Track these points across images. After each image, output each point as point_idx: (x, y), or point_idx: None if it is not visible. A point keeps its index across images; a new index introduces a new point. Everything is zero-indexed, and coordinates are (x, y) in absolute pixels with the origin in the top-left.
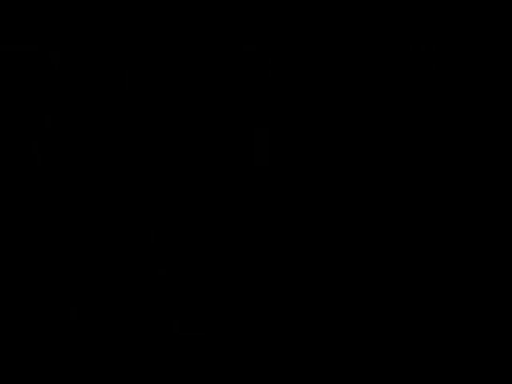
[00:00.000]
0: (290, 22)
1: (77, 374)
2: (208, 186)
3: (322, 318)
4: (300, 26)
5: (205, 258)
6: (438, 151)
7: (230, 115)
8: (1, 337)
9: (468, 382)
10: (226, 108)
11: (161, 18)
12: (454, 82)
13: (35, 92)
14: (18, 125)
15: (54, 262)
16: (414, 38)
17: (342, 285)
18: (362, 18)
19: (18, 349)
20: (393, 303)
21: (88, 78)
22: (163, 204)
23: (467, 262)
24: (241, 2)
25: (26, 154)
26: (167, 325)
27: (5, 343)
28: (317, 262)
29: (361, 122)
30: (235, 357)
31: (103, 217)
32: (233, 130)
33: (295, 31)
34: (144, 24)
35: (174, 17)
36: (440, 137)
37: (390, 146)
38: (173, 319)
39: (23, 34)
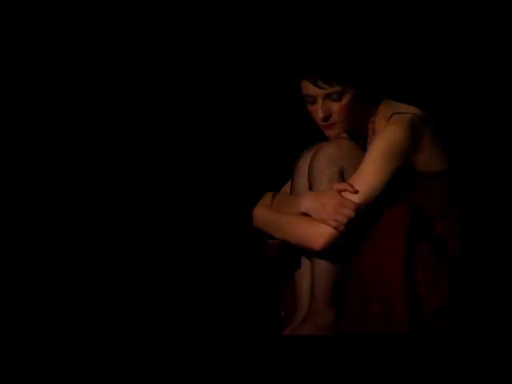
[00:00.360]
0: (290, 22)
1: (76, 374)
2: (208, 186)
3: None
4: (300, 26)
5: (205, 257)
6: None
7: (230, 115)
8: (1, 337)
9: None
10: (226, 108)
11: (161, 18)
12: (454, 82)
13: (35, 92)
14: (17, 125)
15: (54, 261)
16: (414, 38)
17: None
18: (362, 18)
19: (17, 348)
20: None
21: (88, 77)
22: (163, 204)
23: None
24: (241, 2)
25: (26, 154)
26: (167, 325)
27: (5, 343)
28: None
29: None
30: (235, 357)
31: (103, 217)
32: (233, 129)
33: (295, 31)
34: (144, 24)
35: (173, 17)
36: None
37: None
38: (173, 319)
39: (23, 34)
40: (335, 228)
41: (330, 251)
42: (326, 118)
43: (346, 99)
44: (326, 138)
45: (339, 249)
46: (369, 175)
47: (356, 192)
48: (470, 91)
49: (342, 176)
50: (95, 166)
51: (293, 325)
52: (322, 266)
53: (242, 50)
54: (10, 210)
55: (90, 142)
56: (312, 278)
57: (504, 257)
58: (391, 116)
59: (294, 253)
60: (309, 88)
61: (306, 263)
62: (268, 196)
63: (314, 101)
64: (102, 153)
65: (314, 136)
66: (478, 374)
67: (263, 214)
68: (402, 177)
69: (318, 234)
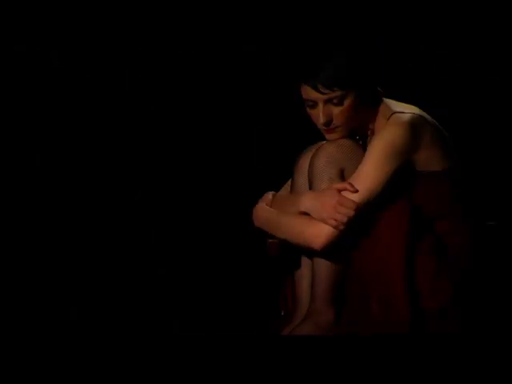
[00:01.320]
0: (289, 26)
1: (76, 374)
2: (208, 186)
3: None
4: (299, 30)
5: (205, 257)
6: None
7: (230, 115)
8: (1, 337)
9: None
10: (226, 108)
11: (161, 17)
12: (454, 82)
13: (35, 92)
14: (18, 125)
15: (54, 261)
16: (414, 38)
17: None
18: (361, 17)
19: (17, 348)
20: None
21: (88, 78)
22: (163, 204)
23: None
24: (241, 1)
25: (27, 155)
26: (167, 325)
27: (4, 343)
28: None
29: None
30: (235, 357)
31: (103, 217)
32: (233, 129)
33: (294, 36)
34: (144, 24)
35: (174, 17)
36: None
37: None
38: (173, 319)
39: (23, 33)
40: (335, 227)
41: (330, 251)
42: (328, 123)
43: (346, 103)
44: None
45: (339, 248)
46: (368, 175)
47: (356, 191)
48: (470, 91)
49: (343, 175)
50: (95, 166)
51: (293, 324)
52: (322, 265)
53: (241, 50)
54: (10, 210)
55: (90, 141)
56: (312, 277)
57: (504, 256)
58: (391, 115)
59: (294, 252)
60: (309, 93)
61: (306, 263)
62: (268, 195)
63: (314, 105)
64: (102, 153)
65: (314, 135)
66: (478, 373)
67: (263, 213)
68: (402, 176)
69: (318, 233)
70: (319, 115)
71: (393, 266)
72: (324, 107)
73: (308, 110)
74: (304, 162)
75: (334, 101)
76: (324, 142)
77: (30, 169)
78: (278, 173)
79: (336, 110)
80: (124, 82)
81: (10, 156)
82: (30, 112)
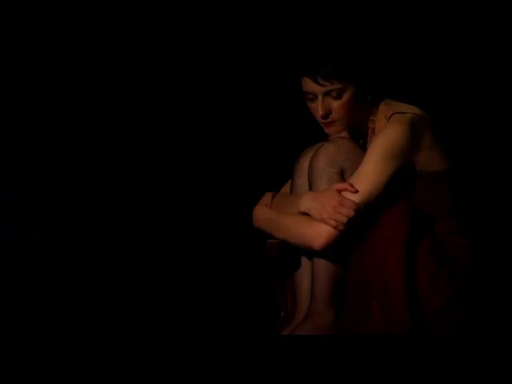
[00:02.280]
0: (291, 19)
1: (76, 374)
2: (208, 186)
3: None
4: (300, 23)
5: (205, 257)
6: None
7: (230, 115)
8: (1, 337)
9: None
10: (226, 108)
11: (161, 18)
12: (454, 82)
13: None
14: (18, 124)
15: (55, 262)
16: (416, 37)
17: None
18: (363, 14)
19: (17, 348)
20: None
21: (90, 78)
22: (163, 203)
23: None
24: (241, 2)
25: (25, 154)
26: (167, 325)
27: (4, 343)
28: None
29: None
30: (235, 357)
31: (103, 216)
32: (233, 129)
33: (295, 28)
34: (144, 24)
35: (174, 17)
36: None
37: None
38: (173, 319)
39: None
40: (335, 227)
41: (329, 251)
42: (326, 116)
43: (345, 97)
44: (326, 138)
45: (339, 249)
46: (368, 175)
47: (356, 191)
48: (470, 91)
49: (342, 176)
50: (95, 165)
51: (293, 325)
52: (322, 265)
53: (241, 50)
54: (11, 211)
55: (90, 141)
56: (312, 278)
57: (504, 256)
58: (391, 115)
59: (294, 253)
60: (309, 85)
61: (306, 263)
62: (268, 196)
63: (314, 98)
64: (102, 152)
65: (314, 136)
66: (478, 374)
67: (263, 213)
68: (402, 176)
69: (318, 233)
70: (318, 108)
71: (393, 266)
72: (323, 100)
73: (308, 103)
74: (304, 163)
75: (333, 94)
76: (324, 142)
77: (29, 167)
78: (278, 173)
79: (335, 104)
80: (124, 82)
81: (9, 156)
82: (28, 111)
